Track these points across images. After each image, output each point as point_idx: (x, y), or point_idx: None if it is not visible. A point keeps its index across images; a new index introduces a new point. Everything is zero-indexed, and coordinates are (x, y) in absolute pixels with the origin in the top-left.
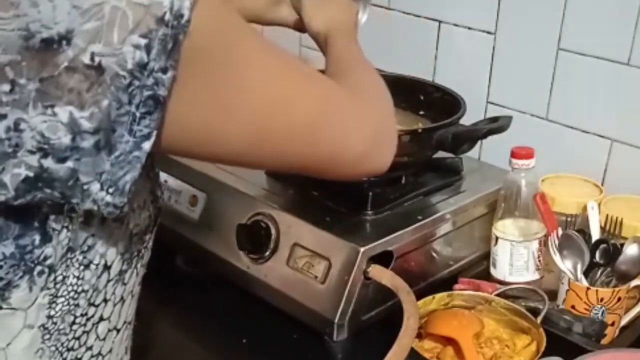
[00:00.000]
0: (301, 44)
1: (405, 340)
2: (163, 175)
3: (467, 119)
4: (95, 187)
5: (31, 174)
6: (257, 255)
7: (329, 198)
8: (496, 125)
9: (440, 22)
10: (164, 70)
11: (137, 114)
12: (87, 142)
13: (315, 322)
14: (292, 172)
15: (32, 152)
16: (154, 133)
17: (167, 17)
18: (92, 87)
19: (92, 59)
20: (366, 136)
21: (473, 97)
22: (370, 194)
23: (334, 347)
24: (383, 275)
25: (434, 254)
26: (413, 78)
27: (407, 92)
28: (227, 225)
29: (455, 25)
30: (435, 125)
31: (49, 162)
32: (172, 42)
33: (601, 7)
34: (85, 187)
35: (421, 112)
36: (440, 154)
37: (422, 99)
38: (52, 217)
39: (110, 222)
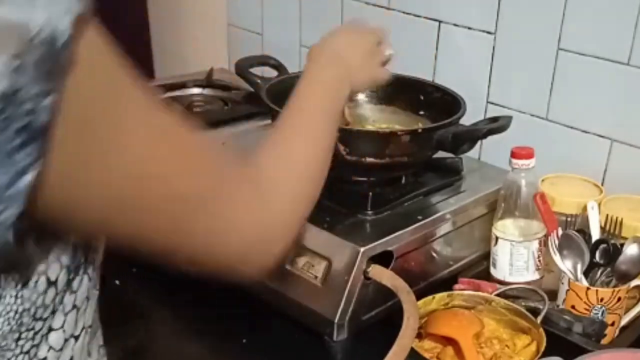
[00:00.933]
0: (301, 44)
1: (405, 340)
2: None
3: (467, 119)
4: None
5: None
6: None
7: (329, 198)
8: (496, 125)
9: (440, 22)
10: (43, 95)
11: (15, 143)
12: None
13: (315, 322)
14: (161, 255)
15: None
16: (37, 164)
17: (41, 36)
18: None
19: None
20: (250, 235)
21: (473, 97)
22: (370, 194)
23: (334, 347)
24: (383, 275)
25: (434, 254)
26: (413, 78)
27: (407, 92)
28: None
29: (455, 25)
30: (435, 125)
31: None
32: (50, 63)
33: (601, 7)
34: None
35: (421, 112)
36: (440, 154)
37: (422, 99)
38: None
39: (46, 239)
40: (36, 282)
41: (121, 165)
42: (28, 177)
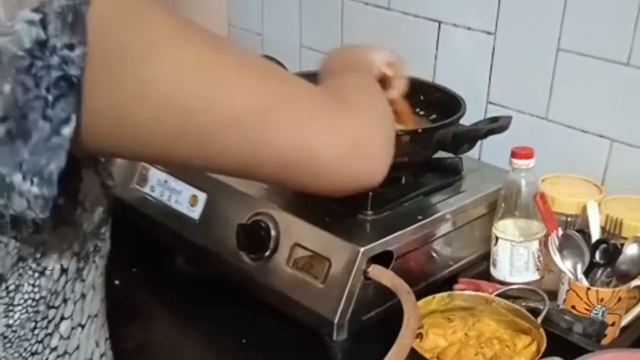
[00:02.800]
0: (301, 44)
1: (405, 340)
2: (163, 175)
3: (467, 119)
4: (17, 178)
5: None
6: (257, 255)
7: (329, 198)
8: (496, 125)
9: (440, 22)
10: (70, 47)
11: (50, 98)
12: None
13: (315, 322)
14: (257, 179)
15: None
16: (73, 117)
17: None
18: None
19: None
20: (338, 144)
21: (473, 97)
22: (370, 194)
23: (334, 347)
24: (383, 275)
25: (434, 254)
26: (413, 78)
27: (407, 92)
28: (227, 225)
29: (455, 25)
30: (435, 125)
31: None
32: (72, 14)
33: (601, 7)
34: (7, 179)
35: (421, 112)
36: (440, 154)
37: (422, 99)
38: None
39: (61, 227)
40: (52, 270)
41: (166, 84)
42: (67, 129)
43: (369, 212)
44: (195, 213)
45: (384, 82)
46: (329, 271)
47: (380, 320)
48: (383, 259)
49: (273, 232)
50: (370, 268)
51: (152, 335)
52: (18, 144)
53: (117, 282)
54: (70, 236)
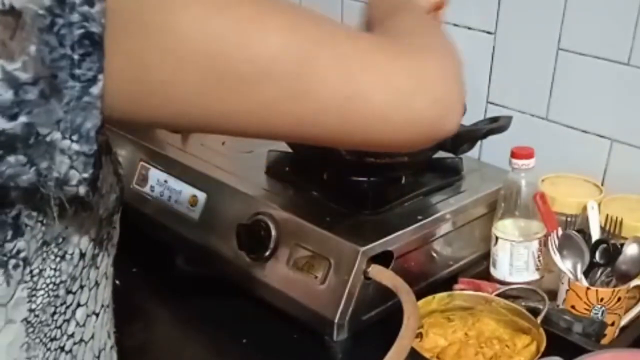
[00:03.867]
0: None
1: (405, 340)
2: (163, 175)
3: (467, 119)
4: (57, 136)
5: None
6: (257, 255)
7: (329, 198)
8: (496, 125)
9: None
10: (90, 3)
11: (75, 57)
12: (32, 94)
13: (315, 322)
14: (312, 140)
15: None
16: (100, 76)
17: None
18: (15, 33)
19: (2, 2)
20: (394, 86)
21: (473, 97)
22: (370, 194)
23: (334, 347)
24: (383, 275)
25: (434, 254)
26: None
27: None
28: (227, 225)
29: (455, 25)
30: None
31: (2, 124)
32: None
33: (601, 7)
34: (47, 139)
35: None
36: (440, 154)
37: None
38: (25, 212)
39: (81, 212)
40: (72, 254)
41: (186, 38)
42: (95, 89)
43: (369, 212)
44: (195, 213)
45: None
46: (329, 271)
47: (380, 320)
48: (383, 259)
49: (273, 232)
50: (370, 268)
51: (152, 335)
52: (53, 103)
53: (117, 282)
54: (88, 221)
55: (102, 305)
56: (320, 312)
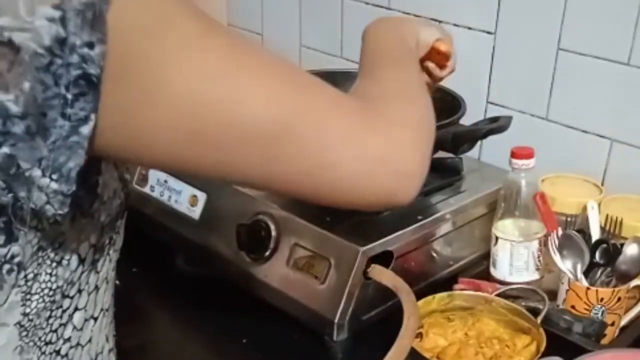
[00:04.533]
0: (301, 44)
1: (405, 340)
2: (163, 175)
3: (467, 119)
4: (36, 173)
5: None
6: (257, 255)
7: None
8: (496, 125)
9: (440, 21)
10: (90, 46)
11: (69, 96)
12: (18, 127)
13: (315, 322)
14: (273, 192)
15: None
16: (92, 116)
17: None
18: (12, 67)
19: (1, 34)
20: (363, 159)
21: (473, 97)
22: None
23: (334, 347)
24: (383, 275)
25: (434, 254)
26: None
27: None
28: (227, 225)
29: (455, 25)
30: (435, 125)
31: None
32: (92, 12)
33: (601, 7)
34: (27, 174)
35: None
36: (440, 154)
37: None
38: (17, 219)
39: (80, 219)
40: (69, 260)
41: (177, 97)
42: (86, 129)
43: (369, 212)
44: (195, 213)
45: (431, 57)
46: (329, 271)
47: (380, 320)
48: (383, 259)
49: (273, 232)
50: (370, 268)
51: (152, 335)
52: (38, 140)
53: (117, 282)
54: (88, 228)
55: (102, 309)
56: (320, 312)
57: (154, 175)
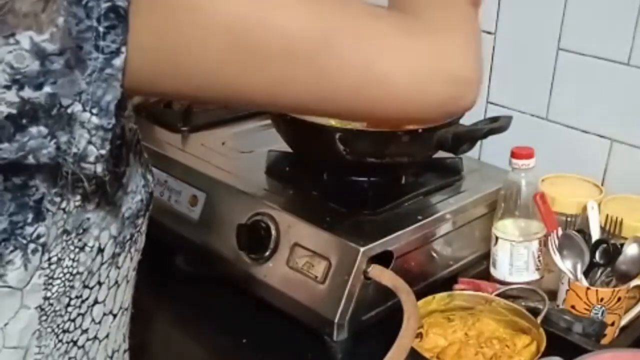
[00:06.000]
0: None
1: (405, 340)
2: (163, 175)
3: (467, 119)
4: (77, 108)
5: (13, 111)
6: (257, 255)
7: (329, 198)
8: (496, 125)
9: None
10: None
11: (101, 29)
12: (57, 64)
13: (315, 322)
14: (329, 114)
15: (7, 87)
16: (123, 49)
17: None
18: (46, 6)
19: None
20: (414, 69)
21: None
22: (370, 194)
23: (334, 347)
24: (383, 275)
25: (434, 254)
26: None
27: None
28: (227, 225)
29: None
30: (435, 125)
31: (27, 93)
32: None
33: (601, 7)
34: (69, 110)
35: None
36: (440, 154)
37: None
38: (48, 197)
39: (104, 205)
40: (91, 247)
41: (211, 10)
42: (118, 61)
43: (369, 212)
44: (195, 213)
45: None
46: (329, 271)
47: (380, 320)
48: (383, 259)
49: (273, 232)
50: (370, 268)
51: (152, 335)
52: (76, 74)
53: None
54: (110, 216)
55: (121, 308)
56: (320, 312)
57: (154, 175)
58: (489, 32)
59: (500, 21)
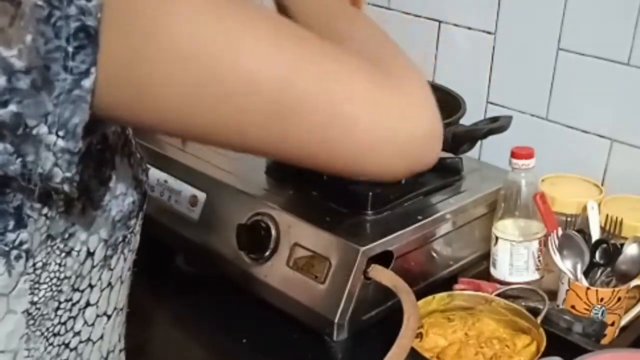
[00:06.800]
0: None
1: (405, 340)
2: (163, 175)
3: (467, 119)
4: (43, 130)
5: None
6: (257, 255)
7: (329, 198)
8: (496, 125)
9: (440, 22)
10: None
11: (70, 49)
12: (24, 82)
13: (315, 322)
14: (288, 158)
15: None
16: (93, 69)
17: None
18: (13, 21)
19: None
20: (384, 119)
21: (473, 97)
22: (370, 194)
23: (334, 347)
24: (383, 275)
25: (434, 254)
26: None
27: None
28: (227, 225)
29: (455, 25)
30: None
31: None
32: None
33: (601, 7)
34: (34, 131)
35: None
36: (440, 153)
37: None
38: (27, 204)
39: (90, 210)
40: (78, 251)
41: (175, 39)
42: (87, 82)
43: (369, 212)
44: (195, 213)
45: None
46: (329, 271)
47: (380, 320)
48: (383, 259)
49: (273, 232)
50: (370, 268)
51: (152, 335)
52: (43, 95)
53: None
54: (98, 221)
55: (116, 308)
56: (320, 312)
57: (154, 175)
58: (489, 32)
59: (500, 21)
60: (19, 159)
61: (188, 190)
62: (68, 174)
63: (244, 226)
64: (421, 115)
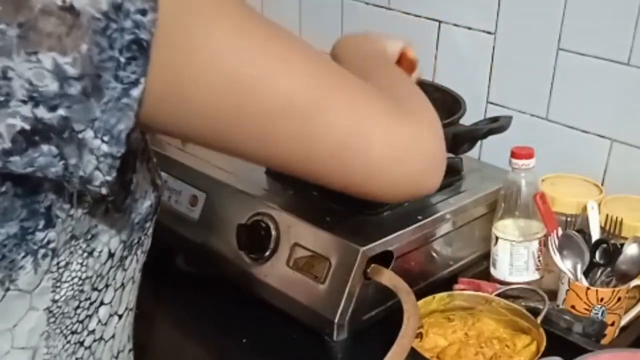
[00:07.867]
0: None
1: (405, 340)
2: (163, 175)
3: (467, 119)
4: (89, 134)
5: (27, 126)
6: (257, 255)
7: (329, 198)
8: (496, 125)
9: (440, 22)
10: (143, 13)
11: (122, 60)
12: (74, 89)
13: (315, 322)
14: (305, 174)
15: (24, 102)
16: (142, 80)
17: None
18: (71, 31)
19: (63, 0)
20: (393, 142)
21: (473, 97)
22: None
23: (334, 347)
24: (383, 275)
25: (434, 254)
26: None
27: None
28: (227, 225)
29: (455, 25)
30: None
31: (41, 112)
32: None
33: (601, 7)
34: (80, 136)
35: None
36: None
37: None
38: (57, 204)
39: (113, 212)
40: (100, 252)
41: (218, 72)
42: (136, 91)
43: (369, 212)
44: (195, 213)
45: (400, 64)
46: (329, 271)
47: (380, 320)
48: (383, 259)
49: (273, 232)
50: (370, 268)
51: (152, 335)
52: (92, 101)
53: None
54: (119, 223)
55: (126, 308)
56: (320, 312)
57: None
58: (489, 32)
59: (500, 21)
60: (62, 162)
61: (188, 190)
62: (108, 178)
63: (244, 226)
64: (428, 140)
